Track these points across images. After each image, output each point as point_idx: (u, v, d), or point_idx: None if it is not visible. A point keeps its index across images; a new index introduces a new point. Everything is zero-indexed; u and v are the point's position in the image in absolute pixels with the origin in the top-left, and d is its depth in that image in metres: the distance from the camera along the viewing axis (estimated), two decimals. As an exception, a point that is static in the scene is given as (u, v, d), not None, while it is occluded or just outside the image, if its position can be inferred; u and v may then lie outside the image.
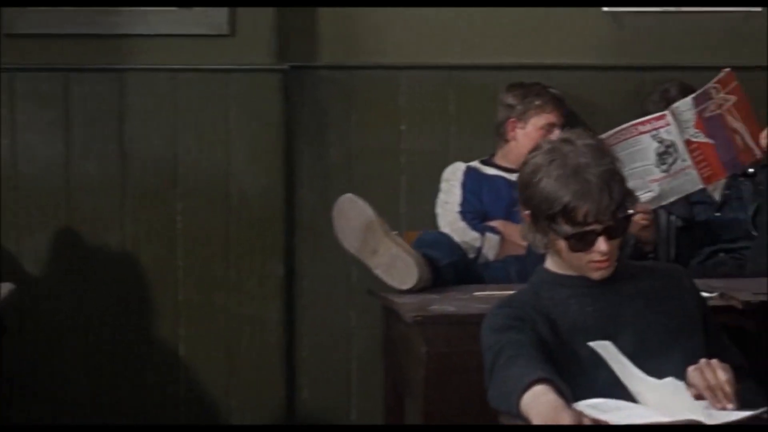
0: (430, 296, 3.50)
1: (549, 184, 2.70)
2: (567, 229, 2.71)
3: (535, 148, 2.81)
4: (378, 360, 4.32)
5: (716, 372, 2.54)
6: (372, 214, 3.80)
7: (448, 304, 3.31)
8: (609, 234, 2.71)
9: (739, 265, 4.33)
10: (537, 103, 4.46)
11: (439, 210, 4.45)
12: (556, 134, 4.41)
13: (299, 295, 4.60)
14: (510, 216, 4.44)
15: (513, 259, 4.29)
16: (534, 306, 2.79)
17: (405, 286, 3.65)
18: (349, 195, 3.86)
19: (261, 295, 4.49)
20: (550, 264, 2.87)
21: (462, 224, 4.36)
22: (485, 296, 3.39)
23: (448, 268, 3.86)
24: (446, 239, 4.10)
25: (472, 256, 4.27)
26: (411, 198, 4.61)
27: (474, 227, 4.36)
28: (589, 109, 4.68)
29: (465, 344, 3.09)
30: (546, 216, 2.73)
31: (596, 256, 2.73)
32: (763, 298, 3.28)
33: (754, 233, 4.37)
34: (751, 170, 4.48)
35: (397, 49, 4.59)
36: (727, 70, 4.16)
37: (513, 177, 4.46)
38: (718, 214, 4.50)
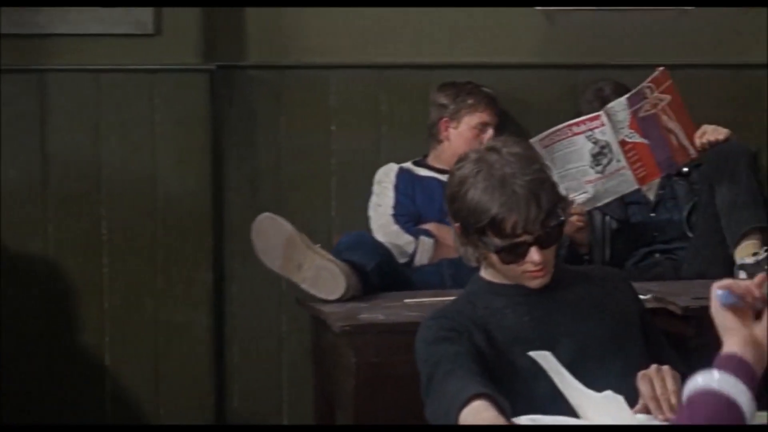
0: (358, 305, 3.41)
1: (475, 196, 2.63)
2: (496, 241, 2.64)
3: (461, 159, 2.73)
4: (310, 367, 4.22)
5: (665, 380, 2.48)
6: (291, 229, 3.73)
7: (377, 312, 3.22)
8: (540, 244, 2.64)
9: (675, 266, 4.29)
10: (469, 102, 4.40)
11: (372, 213, 4.37)
12: (490, 134, 4.38)
13: (228, 302, 4.51)
14: (444, 218, 4.37)
15: (447, 263, 4.22)
16: (469, 316, 2.71)
17: (334, 297, 3.57)
18: (266, 214, 3.81)
19: (189, 301, 4.40)
20: (485, 273, 2.80)
21: (395, 227, 4.28)
22: (416, 303, 3.31)
23: (375, 271, 3.78)
24: (367, 239, 4.03)
25: (405, 260, 4.20)
26: (342, 200, 4.54)
27: (408, 230, 4.29)
28: (523, 108, 4.64)
29: (395, 354, 3.02)
30: (475, 229, 2.65)
31: (530, 267, 2.67)
32: (703, 302, 3.20)
33: (689, 234, 4.33)
34: (685, 170, 4.46)
35: (327, 48, 4.51)
36: (662, 69, 4.13)
37: (446, 178, 4.44)
38: (652, 214, 4.46)
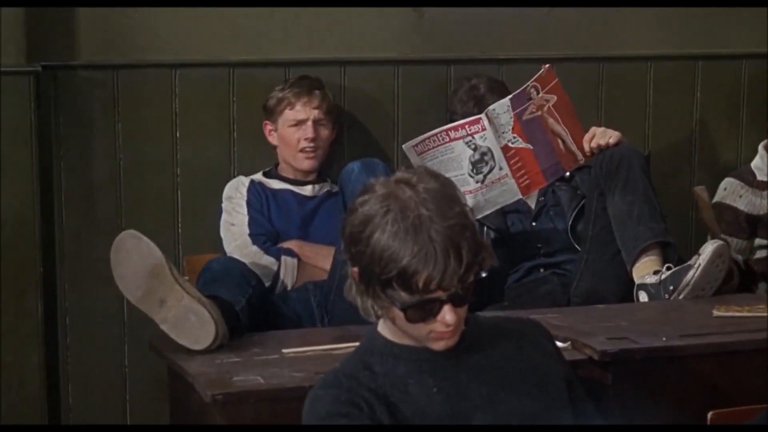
0: (228, 359, 2.89)
1: (382, 241, 2.18)
2: (404, 296, 2.20)
3: (365, 191, 2.27)
4: (158, 404, 3.80)
5: None
6: (159, 256, 3.16)
7: (253, 371, 2.72)
8: (455, 302, 2.21)
9: (563, 282, 3.91)
10: (279, 97, 3.95)
11: (224, 233, 3.88)
12: (309, 129, 3.89)
13: (63, 335, 3.99)
14: (305, 235, 3.94)
15: (313, 287, 3.80)
16: (368, 386, 2.26)
17: (199, 346, 3.03)
18: (130, 232, 3.21)
19: (16, 337, 3.83)
20: (384, 328, 2.35)
21: (254, 248, 3.81)
22: (296, 355, 2.83)
23: (245, 309, 3.28)
24: (237, 267, 3.52)
25: (267, 283, 3.72)
26: (189, 217, 4.05)
27: (268, 251, 3.81)
28: (389, 107, 4.22)
29: (278, 421, 2.55)
30: (379, 280, 2.20)
31: (440, 327, 2.23)
32: (622, 345, 2.82)
33: (576, 245, 3.95)
34: (567, 173, 4.07)
35: (171, 45, 3.99)
36: (547, 66, 3.75)
37: (302, 190, 4.00)
38: (534, 223, 4.08)
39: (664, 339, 2.86)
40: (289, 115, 3.94)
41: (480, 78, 4.13)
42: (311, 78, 3.99)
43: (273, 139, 3.99)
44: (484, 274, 2.24)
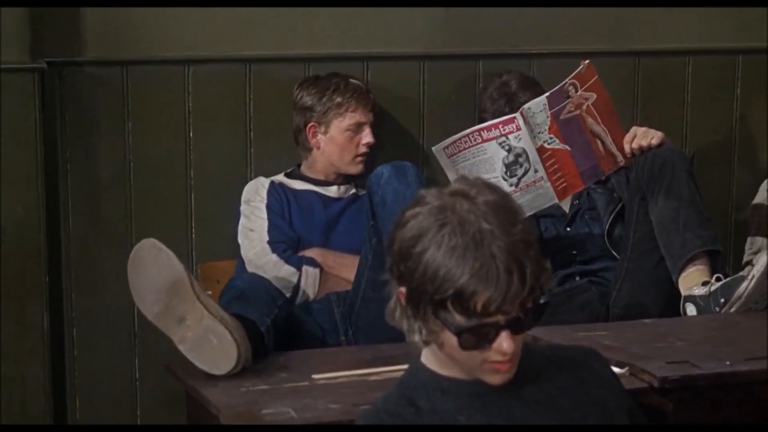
0: (254, 386, 2.65)
1: (438, 257, 1.95)
2: (459, 320, 1.97)
3: (417, 202, 2.03)
4: (169, 418, 3.63)
5: None
6: (181, 270, 2.91)
7: (283, 402, 2.48)
8: (515, 328, 1.98)
9: (601, 292, 3.69)
10: (337, 100, 3.73)
11: (242, 240, 3.65)
12: (367, 135, 3.71)
13: (69, 347, 3.78)
14: (327, 241, 3.72)
15: (336, 298, 3.59)
16: (413, 423, 2.03)
17: (219, 371, 2.79)
18: (150, 241, 2.97)
19: (20, 349, 3.62)
20: (428, 358, 2.11)
21: (273, 257, 3.58)
22: (328, 383, 2.60)
23: (270, 330, 3.05)
24: (264, 285, 3.29)
25: (287, 295, 3.50)
26: (204, 222, 3.84)
27: (288, 260, 3.59)
28: (417, 104, 4.00)
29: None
30: (430, 301, 1.97)
31: (496, 356, 2.00)
32: (684, 370, 2.59)
33: (613, 252, 3.73)
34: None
35: (183, 39, 3.77)
36: (587, 62, 3.55)
37: (327, 191, 3.79)
38: (568, 228, 3.85)
39: (728, 363, 2.63)
40: (351, 118, 3.73)
41: (511, 74, 3.90)
42: (355, 79, 3.79)
43: (318, 142, 3.77)
44: (544, 300, 2.01)
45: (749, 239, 3.89)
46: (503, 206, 2.00)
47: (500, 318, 1.96)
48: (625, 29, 4.15)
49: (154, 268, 2.92)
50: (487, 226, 1.95)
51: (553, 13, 4.03)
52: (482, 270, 1.93)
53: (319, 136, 3.77)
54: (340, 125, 3.75)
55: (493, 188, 2.03)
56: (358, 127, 3.75)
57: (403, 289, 2.03)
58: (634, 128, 3.61)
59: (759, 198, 4.03)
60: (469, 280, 1.93)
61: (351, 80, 3.78)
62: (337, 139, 3.76)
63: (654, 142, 3.57)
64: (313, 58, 3.87)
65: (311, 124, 3.77)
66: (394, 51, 3.96)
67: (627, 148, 3.59)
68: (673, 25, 4.18)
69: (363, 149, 3.77)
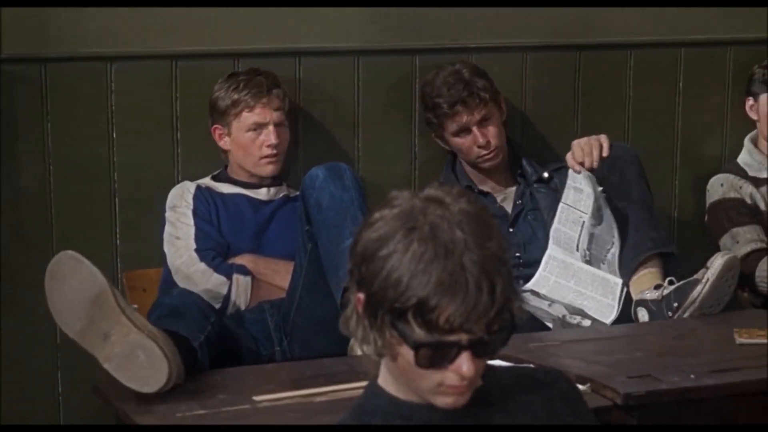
0: (190, 410, 2.46)
1: (403, 263, 1.79)
2: (419, 334, 1.80)
3: (387, 203, 1.87)
4: None
5: None
6: (103, 283, 2.71)
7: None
8: (477, 351, 1.82)
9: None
10: (233, 99, 3.53)
11: (169, 248, 3.47)
12: (270, 134, 3.50)
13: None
14: (259, 247, 3.55)
15: (269, 306, 3.43)
16: (371, 455, 1.87)
17: (150, 389, 2.59)
18: (68, 253, 2.76)
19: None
20: (387, 381, 1.95)
21: (201, 266, 3.41)
22: (272, 405, 2.42)
23: (203, 346, 2.87)
24: (194, 301, 3.10)
25: (217, 305, 3.32)
26: (128, 228, 3.65)
27: (217, 268, 3.41)
28: (351, 101, 3.83)
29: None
30: (390, 309, 1.81)
31: (452, 379, 1.83)
32: (648, 386, 2.45)
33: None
34: (545, 174, 3.74)
35: (106, 35, 3.58)
36: None
37: (256, 194, 3.60)
38: (511, 230, 3.71)
39: (692, 377, 2.49)
40: (247, 118, 3.53)
41: (460, 63, 3.75)
42: (265, 73, 3.58)
43: (225, 144, 3.58)
44: (512, 332, 1.85)
45: (728, 234, 3.72)
46: (479, 217, 1.83)
47: (463, 337, 1.80)
48: (565, 23, 4.02)
49: (73, 282, 2.72)
50: (461, 235, 1.79)
51: (492, 7, 3.89)
52: (450, 280, 1.77)
53: (225, 138, 3.59)
54: (239, 126, 3.55)
55: (470, 197, 1.87)
56: (259, 127, 3.54)
57: (361, 296, 1.86)
58: (574, 145, 3.47)
59: (714, 196, 3.89)
60: (434, 290, 1.77)
61: (258, 77, 3.57)
62: (240, 141, 3.55)
63: (604, 154, 3.44)
64: (242, 53, 3.69)
65: (215, 125, 3.59)
66: (328, 45, 3.79)
67: (578, 168, 3.45)
68: (613, 19, 4.06)
69: (267, 151, 3.54)
